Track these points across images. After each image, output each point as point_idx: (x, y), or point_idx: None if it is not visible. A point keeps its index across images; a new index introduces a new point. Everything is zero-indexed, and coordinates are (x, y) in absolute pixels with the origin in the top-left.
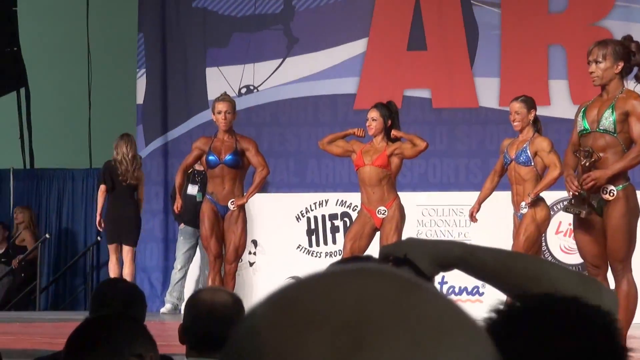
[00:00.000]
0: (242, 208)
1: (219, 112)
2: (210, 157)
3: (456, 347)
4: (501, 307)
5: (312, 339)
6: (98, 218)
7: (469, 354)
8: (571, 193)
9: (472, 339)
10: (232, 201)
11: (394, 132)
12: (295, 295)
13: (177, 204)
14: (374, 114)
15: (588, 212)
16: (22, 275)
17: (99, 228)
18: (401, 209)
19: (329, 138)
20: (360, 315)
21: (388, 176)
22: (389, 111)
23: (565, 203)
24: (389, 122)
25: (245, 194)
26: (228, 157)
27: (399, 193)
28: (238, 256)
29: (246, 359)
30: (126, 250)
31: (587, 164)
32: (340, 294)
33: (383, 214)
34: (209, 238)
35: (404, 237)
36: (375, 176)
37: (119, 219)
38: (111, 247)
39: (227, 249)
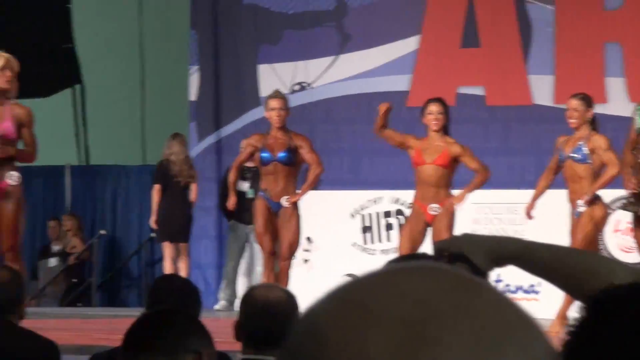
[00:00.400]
0: (295, 205)
1: (272, 109)
2: (264, 154)
3: (519, 344)
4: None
5: (374, 334)
6: (154, 217)
7: (532, 352)
8: (629, 191)
9: (534, 337)
10: (286, 198)
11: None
12: (356, 293)
13: (231, 201)
14: (439, 108)
15: None
16: (73, 280)
17: (153, 226)
18: (453, 207)
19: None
20: (423, 311)
21: (446, 175)
22: (447, 106)
23: (623, 201)
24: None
25: (298, 191)
26: (281, 154)
27: (453, 191)
28: (292, 253)
29: (308, 356)
30: (181, 247)
31: None
32: (401, 291)
33: (435, 210)
34: (263, 235)
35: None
36: (434, 175)
37: (172, 217)
38: (165, 245)
39: (281, 246)
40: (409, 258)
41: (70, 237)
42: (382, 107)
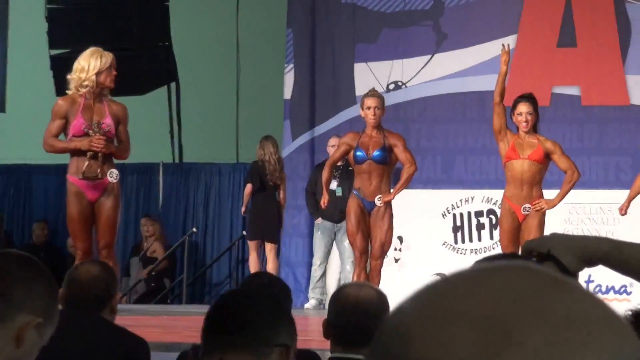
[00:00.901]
0: (388, 204)
1: (368, 108)
2: (358, 153)
3: (604, 345)
4: None
5: (459, 333)
6: (244, 209)
7: (617, 353)
8: None
9: (620, 338)
10: (379, 197)
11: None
12: (443, 292)
13: (324, 199)
14: (528, 108)
15: None
16: (153, 284)
17: (243, 213)
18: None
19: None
20: (506, 311)
21: (540, 171)
22: (536, 103)
23: None
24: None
25: (392, 190)
26: (376, 153)
27: (547, 191)
28: (384, 252)
29: (394, 354)
30: (269, 247)
31: None
32: (487, 291)
33: (527, 211)
34: (355, 234)
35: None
36: (528, 171)
37: (263, 217)
38: (252, 244)
39: (373, 245)
40: (498, 258)
41: (153, 241)
42: (505, 51)
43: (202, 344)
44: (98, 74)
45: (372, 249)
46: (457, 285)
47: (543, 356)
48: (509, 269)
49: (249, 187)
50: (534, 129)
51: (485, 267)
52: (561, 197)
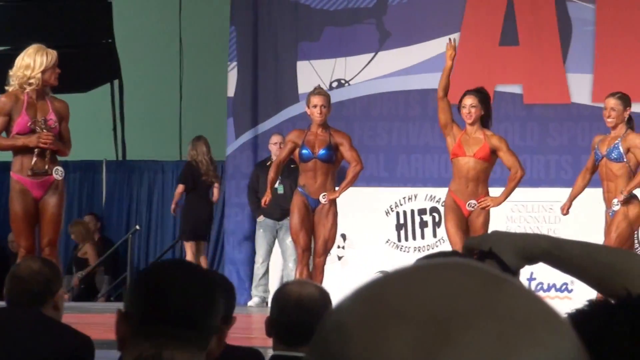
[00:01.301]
0: (333, 202)
1: (315, 106)
2: (304, 151)
3: (541, 342)
4: (594, 301)
5: (397, 333)
6: (173, 207)
7: (554, 350)
8: None
9: (558, 335)
10: (324, 195)
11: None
12: (382, 290)
13: (267, 198)
14: (472, 100)
15: None
16: (82, 287)
17: (173, 213)
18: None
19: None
20: (445, 309)
21: (486, 169)
22: (484, 96)
23: None
24: (484, 110)
25: (337, 188)
26: (322, 151)
27: (489, 189)
28: (327, 250)
29: (333, 353)
30: (203, 246)
31: None
32: (426, 289)
33: (472, 207)
34: (298, 231)
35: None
36: (473, 168)
37: (198, 217)
38: (189, 244)
39: (317, 242)
40: (438, 255)
41: (84, 242)
42: (451, 45)
43: (130, 335)
44: (44, 71)
45: (315, 246)
46: (397, 284)
47: (481, 354)
48: (449, 267)
49: (180, 187)
50: (483, 124)
51: (425, 265)
52: (506, 195)
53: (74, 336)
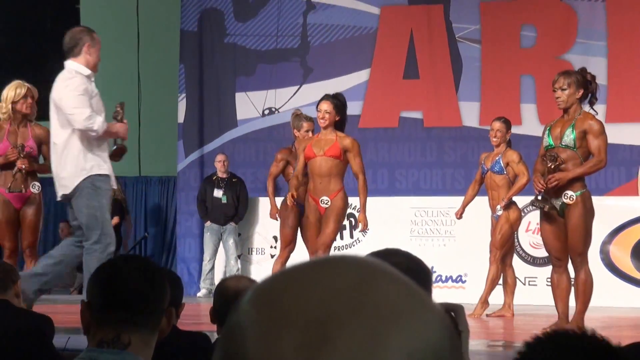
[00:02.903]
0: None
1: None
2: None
3: (410, 333)
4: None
5: (284, 335)
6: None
7: (422, 337)
8: (537, 191)
9: (428, 327)
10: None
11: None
12: (273, 292)
13: (273, 211)
14: (326, 106)
15: (550, 207)
16: None
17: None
18: (344, 200)
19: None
20: (324, 311)
21: (337, 166)
22: (340, 103)
23: (532, 199)
24: (339, 115)
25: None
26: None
27: (396, 197)
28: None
29: (233, 351)
30: None
31: (552, 166)
32: (309, 290)
33: (326, 203)
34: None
35: (390, 236)
36: (325, 166)
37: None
38: None
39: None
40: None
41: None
42: None
43: (93, 321)
44: (14, 102)
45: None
46: (286, 286)
47: (356, 352)
48: (332, 264)
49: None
50: (336, 127)
51: (311, 264)
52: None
53: (36, 317)
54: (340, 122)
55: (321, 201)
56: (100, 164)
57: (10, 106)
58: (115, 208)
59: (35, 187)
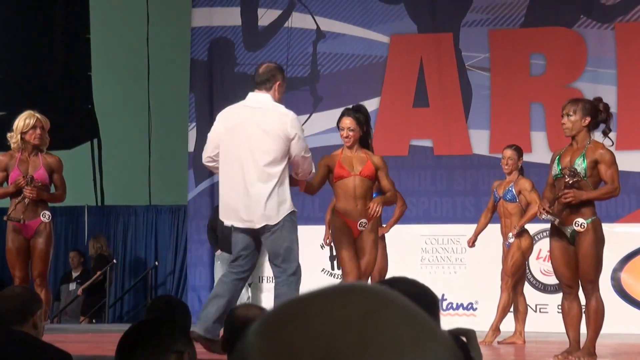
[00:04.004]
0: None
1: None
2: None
3: None
4: None
5: None
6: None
7: None
8: (539, 211)
9: (434, 354)
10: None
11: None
12: (280, 326)
13: (326, 235)
14: (348, 122)
15: (560, 223)
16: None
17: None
18: (379, 223)
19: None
20: (331, 345)
21: (371, 188)
22: (362, 115)
23: (544, 233)
24: (363, 130)
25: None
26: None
27: (406, 226)
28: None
29: None
30: None
31: (571, 182)
32: (317, 322)
33: (364, 226)
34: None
35: (401, 264)
36: (361, 187)
37: None
38: None
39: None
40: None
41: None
42: None
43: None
44: (24, 133)
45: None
46: (294, 319)
47: None
48: (342, 293)
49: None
50: (361, 145)
51: (323, 292)
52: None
53: (54, 352)
54: (366, 134)
55: (360, 224)
56: None
57: (19, 136)
58: (101, 262)
59: (45, 216)
